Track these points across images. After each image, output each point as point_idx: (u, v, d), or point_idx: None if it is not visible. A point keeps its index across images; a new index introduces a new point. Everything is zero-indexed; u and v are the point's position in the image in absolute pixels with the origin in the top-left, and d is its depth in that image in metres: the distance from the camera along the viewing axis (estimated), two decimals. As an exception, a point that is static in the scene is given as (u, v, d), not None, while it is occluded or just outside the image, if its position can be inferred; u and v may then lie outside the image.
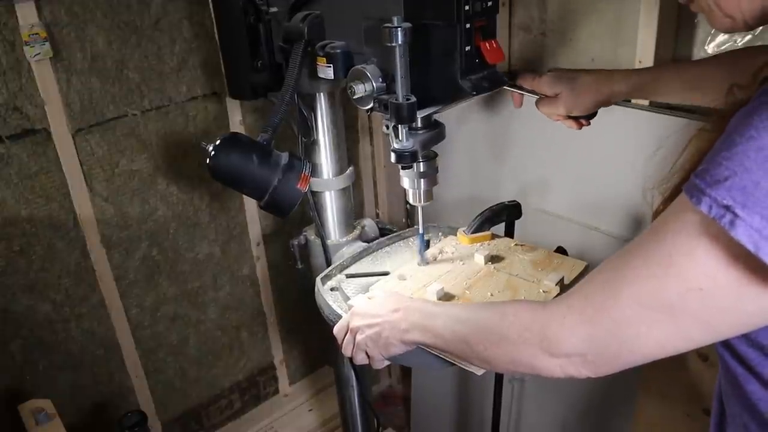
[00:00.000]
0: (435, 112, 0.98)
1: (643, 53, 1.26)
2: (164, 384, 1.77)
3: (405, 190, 1.06)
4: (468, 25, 0.88)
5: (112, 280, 1.55)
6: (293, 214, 1.09)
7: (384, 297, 0.94)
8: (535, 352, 0.68)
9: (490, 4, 0.90)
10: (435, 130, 1.01)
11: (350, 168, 1.26)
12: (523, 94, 1.13)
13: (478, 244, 1.15)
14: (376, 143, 2.00)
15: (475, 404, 1.88)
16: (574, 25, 1.43)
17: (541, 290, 0.99)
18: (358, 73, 0.93)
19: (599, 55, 1.40)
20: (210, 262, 1.75)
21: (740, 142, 0.50)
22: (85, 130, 1.42)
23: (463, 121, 1.67)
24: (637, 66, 1.27)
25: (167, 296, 1.69)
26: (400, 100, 0.88)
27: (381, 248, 1.22)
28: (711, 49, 1.23)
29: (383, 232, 1.33)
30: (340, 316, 0.97)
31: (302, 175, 1.06)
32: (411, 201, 1.06)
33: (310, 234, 1.28)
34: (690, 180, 0.54)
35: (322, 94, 1.15)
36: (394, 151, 0.95)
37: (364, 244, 1.24)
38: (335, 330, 0.96)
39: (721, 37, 1.21)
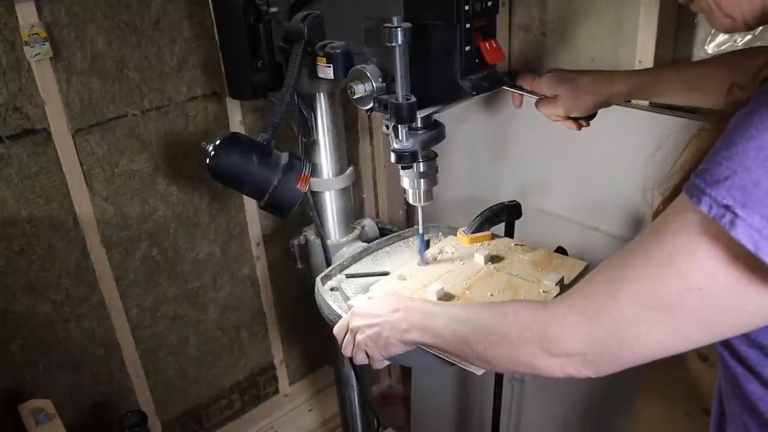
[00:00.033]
0: (435, 112, 0.98)
1: (643, 53, 1.26)
2: (164, 384, 1.77)
3: (405, 190, 1.06)
4: (468, 25, 0.88)
5: (112, 280, 1.55)
6: (293, 214, 1.09)
7: (384, 297, 0.94)
8: (535, 352, 0.68)
9: (490, 4, 0.90)
10: (435, 130, 1.01)
11: (350, 168, 1.26)
12: (522, 94, 1.13)
13: (478, 244, 1.15)
14: (376, 143, 2.00)
15: (475, 404, 1.88)
16: (574, 25, 1.43)
17: (541, 290, 0.99)
18: (358, 73, 0.93)
19: (599, 55, 1.40)
20: (210, 262, 1.75)
21: (740, 141, 0.50)
22: (85, 130, 1.42)
23: (463, 121, 1.67)
24: (637, 66, 1.27)
25: (167, 296, 1.69)
26: (400, 100, 0.88)
27: (381, 248, 1.22)
28: (711, 49, 1.23)
29: (383, 232, 1.33)
30: (340, 316, 0.97)
31: (302, 175, 1.06)
32: (411, 201, 1.06)
33: (310, 234, 1.28)
34: (690, 180, 0.54)
35: (322, 94, 1.15)
36: (394, 151, 0.95)
37: (364, 244, 1.24)
38: (335, 330, 0.96)
39: (721, 37, 1.21)
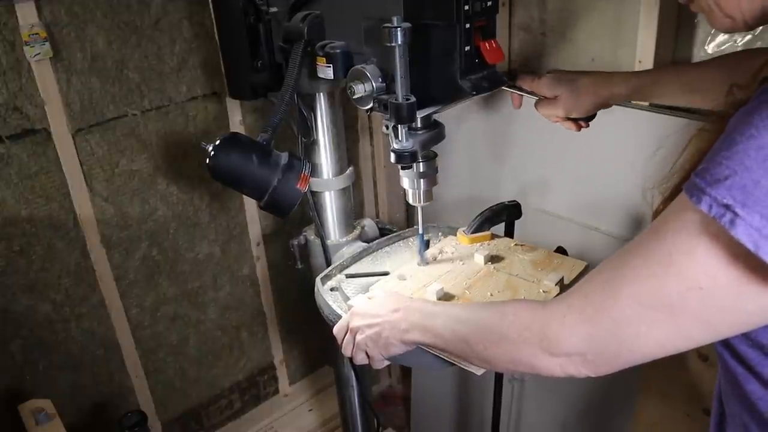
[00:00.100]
0: (435, 112, 0.98)
1: (643, 53, 1.26)
2: (164, 384, 1.77)
3: (405, 190, 1.06)
4: (468, 25, 0.88)
5: (112, 280, 1.55)
6: (293, 214, 1.09)
7: (384, 297, 0.94)
8: (535, 352, 0.68)
9: (489, 4, 0.90)
10: (435, 130, 1.01)
11: (350, 168, 1.26)
12: (522, 95, 1.13)
13: (478, 244, 1.15)
14: (376, 143, 2.00)
15: (475, 404, 1.88)
16: (574, 25, 1.43)
17: (541, 290, 0.99)
18: (357, 73, 0.93)
19: (599, 56, 1.40)
20: (210, 262, 1.75)
21: (740, 141, 0.50)
22: (85, 130, 1.42)
23: (463, 121, 1.67)
24: (637, 66, 1.27)
25: (167, 296, 1.69)
26: (400, 100, 0.88)
27: (381, 248, 1.22)
28: (711, 49, 1.23)
29: (383, 232, 1.33)
30: (340, 316, 0.97)
31: (302, 175, 1.06)
32: (411, 201, 1.06)
33: (310, 234, 1.28)
34: (690, 179, 0.54)
35: (321, 94, 1.15)
36: (394, 151, 0.95)
37: (364, 244, 1.24)
38: (335, 330, 0.96)
39: (721, 37, 1.22)
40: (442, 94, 0.94)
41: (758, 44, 1.16)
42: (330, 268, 1.14)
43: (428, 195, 1.06)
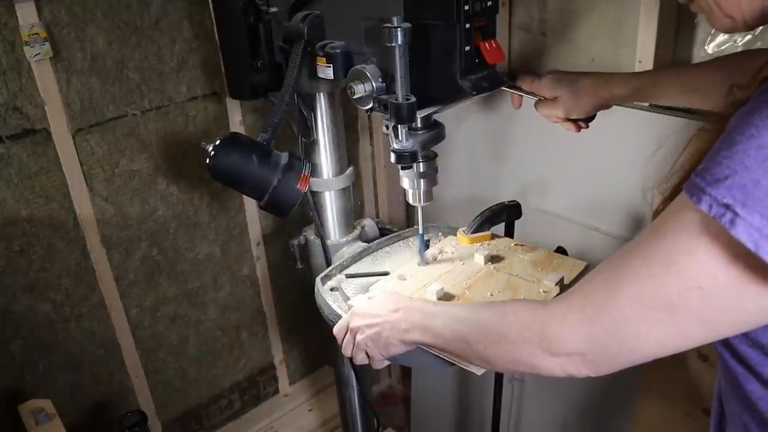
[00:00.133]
0: (435, 112, 0.98)
1: (643, 53, 1.26)
2: (164, 384, 1.77)
3: (405, 190, 1.06)
4: (468, 25, 0.88)
5: (112, 280, 1.55)
6: (293, 214, 1.09)
7: (384, 297, 0.94)
8: (535, 352, 0.68)
9: (489, 4, 0.90)
10: (435, 130, 1.01)
11: (350, 168, 1.26)
12: (522, 95, 1.13)
13: (478, 244, 1.15)
14: (376, 143, 2.00)
15: (475, 404, 1.88)
16: (574, 25, 1.43)
17: (541, 290, 0.99)
18: (357, 73, 0.93)
19: (599, 56, 1.40)
20: (210, 262, 1.75)
21: (740, 140, 0.50)
22: (85, 130, 1.42)
23: (463, 121, 1.67)
24: (637, 66, 1.27)
25: (167, 296, 1.69)
26: (400, 100, 0.88)
27: (381, 248, 1.22)
28: (711, 49, 1.23)
29: (383, 232, 1.33)
30: (340, 316, 0.97)
31: (302, 175, 1.06)
32: (411, 201, 1.06)
33: (310, 234, 1.28)
34: (690, 179, 0.54)
35: (321, 94, 1.15)
36: (394, 151, 0.95)
37: (364, 244, 1.24)
38: (335, 330, 0.96)
39: (721, 37, 1.22)
40: (442, 94, 0.94)
41: (758, 44, 1.16)
42: (330, 268, 1.14)
43: (428, 195, 1.06)
